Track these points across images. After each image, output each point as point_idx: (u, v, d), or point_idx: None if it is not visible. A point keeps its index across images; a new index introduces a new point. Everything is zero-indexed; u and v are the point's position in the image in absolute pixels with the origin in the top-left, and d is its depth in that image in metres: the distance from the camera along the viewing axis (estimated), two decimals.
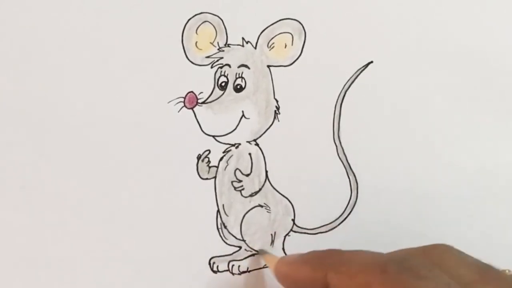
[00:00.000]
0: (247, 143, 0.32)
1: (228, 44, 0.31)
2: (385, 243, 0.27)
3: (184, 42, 0.31)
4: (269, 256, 0.32)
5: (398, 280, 0.24)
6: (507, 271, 0.29)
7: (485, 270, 0.25)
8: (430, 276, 0.24)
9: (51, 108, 0.29)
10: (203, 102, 0.31)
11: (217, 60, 0.31)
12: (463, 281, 0.24)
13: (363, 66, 0.33)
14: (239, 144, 0.32)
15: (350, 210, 0.33)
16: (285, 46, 0.32)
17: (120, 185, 0.31)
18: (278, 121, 0.32)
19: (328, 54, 0.32)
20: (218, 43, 0.31)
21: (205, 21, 0.31)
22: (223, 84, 0.32)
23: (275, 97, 0.32)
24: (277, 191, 0.33)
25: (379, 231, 0.33)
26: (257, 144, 0.32)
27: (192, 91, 0.31)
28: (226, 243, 0.32)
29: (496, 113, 0.35)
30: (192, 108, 0.31)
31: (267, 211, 0.33)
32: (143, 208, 0.31)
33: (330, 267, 0.26)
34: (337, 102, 0.33)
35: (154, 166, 0.31)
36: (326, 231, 0.33)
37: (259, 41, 0.32)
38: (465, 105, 0.34)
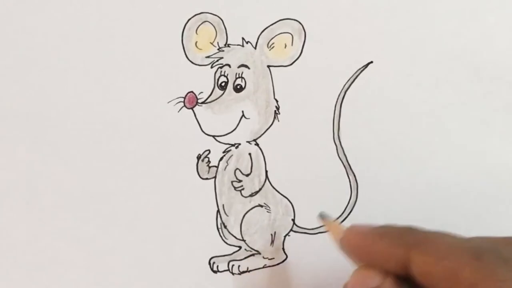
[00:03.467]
0: (247, 143, 0.32)
1: (228, 44, 0.31)
2: None
3: (184, 42, 0.31)
4: (331, 222, 0.30)
5: (494, 271, 0.22)
6: None
7: None
8: None
9: (50, 108, 0.29)
10: (203, 102, 0.31)
11: (217, 60, 0.31)
12: None
13: (363, 66, 0.33)
14: (239, 144, 0.32)
15: (350, 210, 0.33)
16: (285, 46, 0.32)
17: (120, 185, 0.31)
18: (278, 121, 0.32)
19: (328, 54, 0.32)
20: (218, 43, 0.31)
21: (205, 21, 0.31)
22: (223, 84, 0.32)
23: (275, 97, 0.32)
24: (277, 191, 0.33)
25: None
26: (257, 144, 0.32)
27: (192, 91, 0.31)
28: (226, 243, 0.32)
29: (497, 113, 0.35)
30: (192, 108, 0.31)
31: (267, 211, 0.33)
32: (143, 208, 0.31)
33: (413, 245, 0.24)
34: (337, 102, 0.33)
35: (154, 166, 0.31)
36: (326, 231, 0.33)
37: (259, 41, 0.32)
38: (465, 105, 0.34)
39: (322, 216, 0.30)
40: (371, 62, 0.33)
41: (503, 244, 0.24)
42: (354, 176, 0.33)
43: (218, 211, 0.32)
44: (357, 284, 0.26)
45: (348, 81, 0.33)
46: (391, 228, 0.26)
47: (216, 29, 0.31)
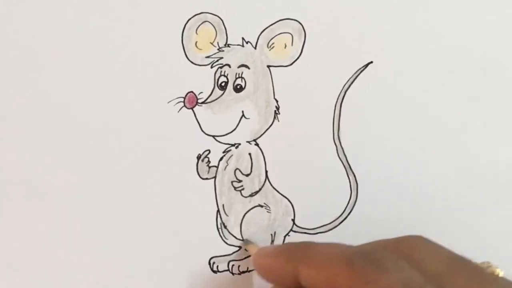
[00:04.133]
0: (247, 143, 0.32)
1: (228, 44, 0.31)
2: None
3: (184, 42, 0.31)
4: (252, 246, 0.32)
5: (362, 273, 0.24)
6: (486, 263, 0.29)
7: (456, 262, 0.25)
8: (395, 268, 0.24)
9: (50, 108, 0.29)
10: (203, 102, 0.31)
11: (217, 60, 0.31)
12: (431, 274, 0.24)
13: (363, 66, 0.33)
14: (239, 144, 0.32)
15: (350, 210, 0.33)
16: (285, 46, 0.32)
17: (120, 185, 0.31)
18: (278, 121, 0.32)
19: (328, 54, 0.32)
20: (218, 43, 0.31)
21: (205, 21, 0.31)
22: (223, 84, 0.32)
23: (275, 97, 0.32)
24: (277, 191, 0.33)
25: (379, 231, 0.33)
26: (257, 144, 0.32)
27: (192, 91, 0.31)
28: (226, 243, 0.32)
29: (497, 113, 0.35)
30: (192, 108, 0.31)
31: (267, 211, 0.33)
32: (143, 208, 0.31)
33: (300, 260, 0.26)
34: (337, 102, 0.33)
35: (154, 166, 0.31)
36: (326, 231, 0.33)
37: (259, 41, 0.32)
38: (466, 105, 0.34)
39: (246, 242, 0.32)
40: (371, 62, 0.33)
41: (377, 247, 0.25)
42: (354, 176, 0.33)
43: (218, 211, 0.32)
44: None
45: (348, 81, 0.33)
46: (287, 246, 0.29)
47: (216, 29, 0.31)
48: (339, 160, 0.33)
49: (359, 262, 0.24)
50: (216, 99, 0.31)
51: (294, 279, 0.26)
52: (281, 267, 0.27)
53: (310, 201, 0.33)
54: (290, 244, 0.29)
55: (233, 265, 0.32)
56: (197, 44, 0.31)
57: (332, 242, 0.27)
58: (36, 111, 0.29)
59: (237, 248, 0.32)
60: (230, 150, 0.32)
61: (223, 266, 0.32)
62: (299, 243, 0.28)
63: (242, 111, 0.32)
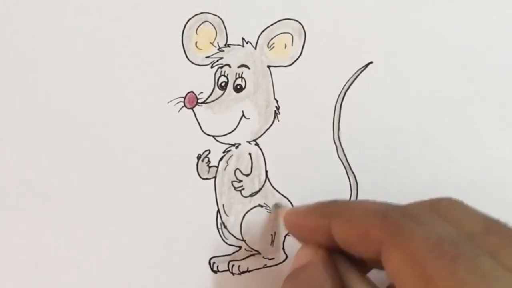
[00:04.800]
0: (247, 143, 0.32)
1: (228, 44, 0.31)
2: None
3: (184, 42, 0.31)
4: (283, 209, 0.32)
5: (397, 226, 0.24)
6: None
7: (491, 223, 0.25)
8: (430, 222, 0.24)
9: (50, 108, 0.29)
10: (203, 102, 0.31)
11: (217, 60, 0.31)
12: (466, 232, 0.24)
13: (363, 66, 0.33)
14: (239, 144, 0.32)
15: None
16: (285, 46, 0.32)
17: (120, 185, 0.31)
18: (278, 121, 0.32)
19: (328, 54, 0.32)
20: (218, 43, 0.31)
21: (205, 21, 0.31)
22: (223, 84, 0.32)
23: (275, 97, 0.32)
24: (277, 191, 0.33)
25: None
26: (257, 144, 0.32)
27: (192, 91, 0.31)
28: (226, 243, 0.32)
29: (498, 113, 0.35)
30: (192, 108, 0.31)
31: (267, 211, 0.33)
32: (143, 208, 0.31)
33: (333, 214, 0.26)
34: (337, 102, 0.33)
35: (153, 166, 0.31)
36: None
37: (259, 41, 0.32)
38: (466, 105, 0.34)
39: (276, 207, 0.32)
40: (371, 62, 0.33)
41: (413, 205, 0.26)
42: (354, 176, 0.33)
43: (218, 211, 0.32)
44: (295, 263, 0.28)
45: (348, 81, 0.33)
46: (320, 203, 0.28)
47: (216, 29, 0.31)
48: (339, 160, 0.33)
49: (394, 215, 0.24)
50: (216, 99, 0.31)
51: (326, 235, 0.27)
52: (314, 223, 0.27)
53: (310, 201, 0.33)
54: (322, 201, 0.29)
55: (233, 265, 0.32)
56: (197, 44, 0.31)
57: (365, 199, 0.27)
58: (37, 112, 0.29)
59: (237, 248, 0.32)
60: (230, 150, 0.32)
61: (223, 266, 0.32)
62: (331, 200, 0.28)
63: (242, 111, 0.32)
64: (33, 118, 0.29)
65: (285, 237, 0.33)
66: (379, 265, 0.25)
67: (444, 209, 0.25)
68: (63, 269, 0.30)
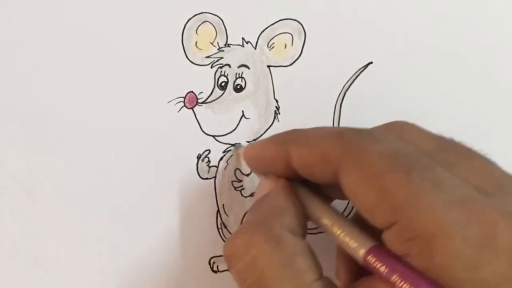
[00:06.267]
0: (247, 143, 0.32)
1: (228, 44, 0.31)
2: None
3: (184, 42, 0.31)
4: (242, 148, 0.32)
5: (353, 144, 0.24)
6: None
7: (445, 141, 0.26)
8: (386, 139, 0.24)
9: (50, 108, 0.29)
10: (203, 102, 0.31)
11: (217, 60, 0.31)
12: (421, 149, 0.24)
13: (363, 67, 0.33)
14: (239, 144, 0.32)
15: (350, 210, 0.33)
16: (285, 46, 0.32)
17: (120, 185, 0.31)
18: (278, 121, 0.32)
19: (328, 54, 0.32)
20: (218, 43, 0.31)
21: (205, 21, 0.31)
22: (223, 84, 0.32)
23: (275, 97, 0.32)
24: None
25: None
26: None
27: (192, 91, 0.31)
28: None
29: (498, 113, 0.35)
30: (192, 108, 0.31)
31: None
32: (143, 208, 0.31)
33: (291, 142, 0.27)
34: (337, 102, 0.33)
35: (154, 166, 0.31)
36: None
37: (259, 41, 0.32)
38: (466, 105, 0.34)
39: (236, 147, 0.32)
40: (371, 62, 0.33)
41: (367, 128, 0.26)
42: None
43: (218, 211, 0.32)
44: (257, 194, 0.28)
45: (348, 81, 0.33)
46: (276, 134, 0.29)
47: (216, 29, 0.31)
48: None
49: (350, 134, 0.25)
50: (216, 99, 0.31)
51: (285, 164, 0.27)
52: (272, 153, 0.27)
53: None
54: (278, 133, 0.29)
55: None
56: (197, 44, 0.31)
57: (321, 126, 0.27)
58: (37, 112, 0.29)
59: None
60: (230, 150, 0.32)
61: (223, 266, 0.32)
62: (287, 131, 0.28)
63: (242, 111, 0.32)
64: (33, 118, 0.29)
65: None
66: (338, 192, 0.25)
67: (399, 130, 0.26)
68: (63, 269, 0.30)
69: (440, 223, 0.21)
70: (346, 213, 0.33)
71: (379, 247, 0.24)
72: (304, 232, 0.26)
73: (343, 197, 0.25)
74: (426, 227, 0.21)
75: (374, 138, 0.24)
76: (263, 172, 0.29)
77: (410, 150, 0.24)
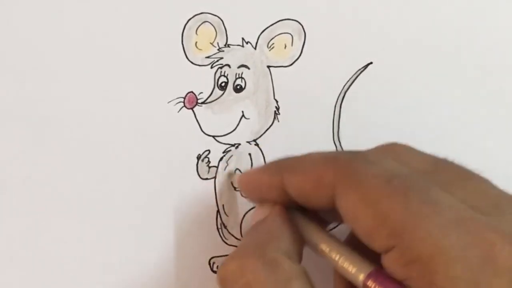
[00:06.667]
0: (247, 143, 0.32)
1: (228, 45, 0.31)
2: None
3: (184, 42, 0.31)
4: (235, 176, 0.32)
5: (348, 167, 0.24)
6: None
7: (440, 162, 0.26)
8: (381, 161, 0.24)
9: (50, 108, 0.29)
10: (203, 102, 0.31)
11: (217, 60, 0.31)
12: (417, 170, 0.24)
13: (363, 67, 0.33)
14: (239, 144, 0.32)
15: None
16: (285, 46, 0.32)
17: (120, 185, 0.31)
18: (278, 121, 0.32)
19: (328, 54, 0.33)
20: (218, 43, 0.31)
21: (205, 21, 0.31)
22: (223, 84, 0.32)
23: (275, 97, 0.32)
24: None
25: None
26: (257, 145, 0.32)
27: (192, 91, 0.31)
28: (226, 243, 0.32)
29: (497, 113, 0.35)
30: (192, 108, 0.31)
31: None
32: (143, 208, 0.31)
33: (285, 169, 0.27)
34: (337, 102, 0.33)
35: (154, 166, 0.31)
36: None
37: (259, 41, 0.32)
38: (466, 105, 0.34)
39: (229, 174, 0.32)
40: (371, 62, 0.33)
41: (361, 150, 0.26)
42: None
43: (218, 211, 0.32)
44: (253, 221, 0.28)
45: (348, 81, 0.33)
46: (271, 162, 0.29)
47: (216, 29, 0.31)
48: None
49: (345, 158, 0.25)
50: (216, 99, 0.32)
51: (280, 191, 0.27)
52: (267, 182, 0.27)
53: None
54: (272, 160, 0.29)
55: None
56: (197, 45, 0.31)
57: (314, 151, 0.27)
58: (37, 112, 0.29)
59: None
60: (230, 150, 0.32)
61: None
62: (281, 158, 0.28)
63: (242, 111, 0.32)
64: (33, 118, 0.29)
65: None
66: (334, 216, 0.25)
67: (393, 151, 0.26)
68: (62, 269, 0.30)
69: (439, 246, 0.21)
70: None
71: (379, 271, 0.23)
72: (300, 257, 0.26)
73: (338, 220, 0.25)
74: (425, 251, 0.21)
75: (369, 160, 0.24)
76: (258, 199, 0.29)
77: (406, 171, 0.24)
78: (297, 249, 0.26)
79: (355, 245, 0.25)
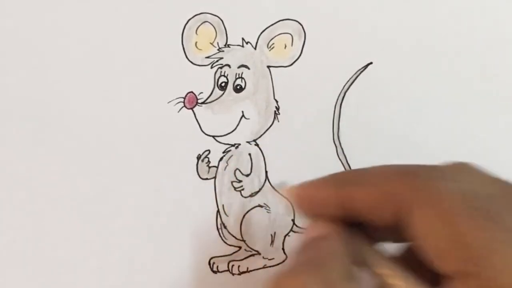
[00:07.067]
0: (247, 143, 0.32)
1: (228, 45, 0.31)
2: None
3: (184, 42, 0.31)
4: (289, 186, 0.29)
5: (426, 182, 0.23)
6: None
7: (506, 184, 0.24)
8: (459, 181, 0.23)
9: (50, 108, 0.29)
10: (203, 102, 0.31)
11: (217, 61, 0.31)
12: (485, 193, 0.23)
13: (363, 67, 0.33)
14: (239, 144, 0.32)
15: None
16: (285, 46, 0.32)
17: (120, 185, 0.31)
18: (278, 121, 0.32)
19: (327, 54, 0.32)
20: (218, 43, 0.31)
21: (205, 21, 0.31)
22: (223, 84, 0.32)
23: (275, 97, 0.32)
24: (277, 191, 0.33)
25: None
26: (257, 144, 0.32)
27: (192, 91, 0.31)
28: (226, 243, 0.32)
29: (497, 113, 0.35)
30: (192, 108, 0.31)
31: (267, 211, 0.33)
32: (143, 208, 0.31)
33: (350, 182, 0.25)
34: (337, 102, 0.33)
35: (154, 166, 0.31)
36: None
37: (259, 41, 0.32)
38: (465, 105, 0.34)
39: (279, 186, 0.31)
40: (371, 62, 0.33)
41: (436, 165, 0.24)
42: None
43: (218, 211, 0.32)
44: (306, 234, 0.26)
45: (348, 81, 0.33)
46: (333, 174, 0.26)
47: (216, 29, 0.31)
48: (339, 160, 0.33)
49: (420, 172, 0.23)
50: (216, 99, 0.32)
51: (337, 206, 0.25)
52: (325, 196, 0.25)
53: None
54: (334, 173, 0.26)
55: (233, 265, 0.32)
56: (197, 45, 0.31)
57: (379, 165, 0.25)
58: (37, 112, 0.29)
59: (237, 249, 0.32)
60: (230, 150, 0.32)
61: (223, 266, 0.32)
62: (345, 171, 0.27)
63: (242, 111, 0.32)
64: (33, 118, 0.29)
65: (284, 237, 0.33)
66: (389, 234, 0.24)
67: (467, 171, 0.24)
68: (62, 269, 0.30)
69: None
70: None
71: None
72: (358, 281, 0.25)
73: (392, 239, 0.24)
74: (507, 284, 0.20)
75: (447, 178, 0.23)
76: (313, 213, 0.27)
77: (484, 193, 0.23)
78: (355, 270, 0.25)
79: (408, 265, 0.24)
